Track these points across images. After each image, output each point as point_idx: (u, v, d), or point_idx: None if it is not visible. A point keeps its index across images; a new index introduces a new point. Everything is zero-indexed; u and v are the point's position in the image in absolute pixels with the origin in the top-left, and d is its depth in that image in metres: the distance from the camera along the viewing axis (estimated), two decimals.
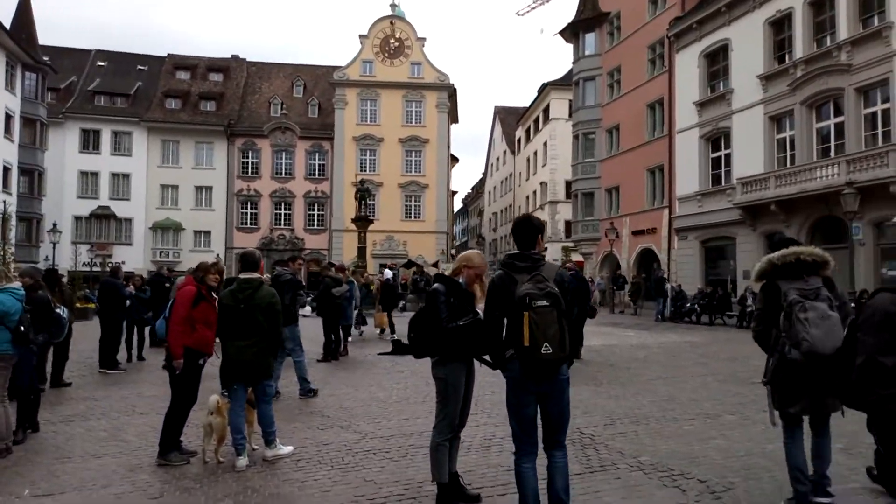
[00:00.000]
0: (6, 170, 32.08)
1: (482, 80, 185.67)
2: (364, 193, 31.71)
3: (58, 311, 6.66)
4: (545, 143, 46.69)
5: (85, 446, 5.84)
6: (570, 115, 43.65)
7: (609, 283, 28.81)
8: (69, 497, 4.51)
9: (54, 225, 31.34)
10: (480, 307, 4.14)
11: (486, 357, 4.14)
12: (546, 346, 3.23)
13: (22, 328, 5.61)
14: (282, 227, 44.94)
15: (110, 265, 11.03)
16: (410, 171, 46.01)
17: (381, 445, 5.66)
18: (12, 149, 32.97)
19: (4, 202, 29.49)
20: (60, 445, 5.90)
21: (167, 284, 13.34)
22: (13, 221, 29.97)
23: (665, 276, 23.33)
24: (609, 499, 4.23)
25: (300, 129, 45.00)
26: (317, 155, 45.85)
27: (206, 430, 5.27)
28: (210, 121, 43.90)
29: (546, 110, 46.95)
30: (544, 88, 47.03)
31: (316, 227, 45.58)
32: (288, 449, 5.43)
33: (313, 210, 45.75)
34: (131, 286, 11.38)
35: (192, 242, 43.35)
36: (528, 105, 52.54)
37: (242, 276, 5.30)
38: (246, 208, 44.88)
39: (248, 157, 44.84)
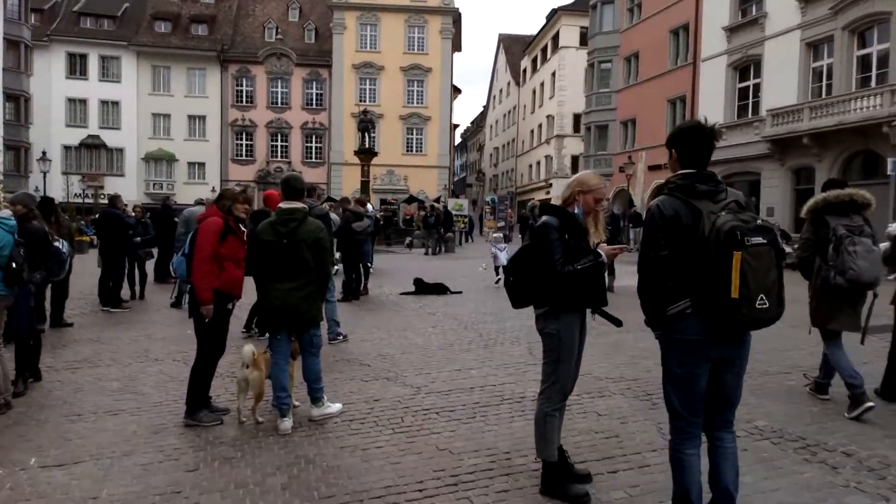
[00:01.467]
0: None
1: (486, 5, 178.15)
2: (367, 124, 30.28)
3: (56, 244, 5.73)
4: (553, 74, 44.76)
5: (97, 400, 5.05)
6: (582, 44, 41.83)
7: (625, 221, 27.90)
8: (86, 468, 3.73)
9: (43, 153, 29.90)
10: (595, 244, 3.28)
11: (606, 310, 3.31)
12: (762, 299, 2.35)
13: (15, 265, 4.70)
14: (278, 159, 43.38)
15: (106, 195, 9.97)
16: (412, 103, 44.14)
17: (441, 402, 4.89)
18: None
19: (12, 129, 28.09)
20: (68, 399, 5.10)
21: (175, 218, 12.38)
22: (0, 148, 28.62)
23: None
24: (748, 479, 3.45)
25: (296, 55, 42.77)
26: (314, 84, 43.81)
27: (241, 385, 4.47)
28: (202, 45, 41.61)
29: (555, 38, 44.76)
30: (554, 14, 44.68)
31: (314, 160, 44.08)
32: (336, 406, 4.65)
33: (311, 142, 44.14)
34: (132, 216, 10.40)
35: (186, 174, 41.90)
36: (535, 33, 50.15)
37: (284, 205, 4.35)
38: (241, 139, 43.18)
39: (242, 86, 42.80)
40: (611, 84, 32.02)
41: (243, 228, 4.74)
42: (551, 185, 44.68)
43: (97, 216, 10.19)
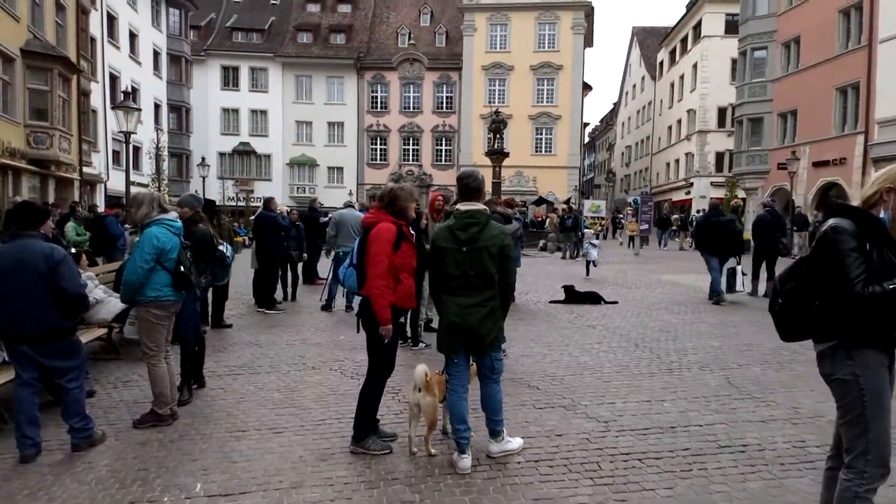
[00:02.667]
0: (157, 106, 33.39)
1: None
2: (499, 125, 29.66)
3: (221, 248, 5.61)
4: (695, 66, 41.69)
5: (260, 414, 4.79)
6: (727, 31, 38.60)
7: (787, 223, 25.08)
8: (253, 499, 3.37)
9: (202, 159, 32.38)
10: None
11: None
12: None
13: (183, 268, 4.53)
14: (410, 162, 44.16)
15: (262, 198, 10.11)
16: (542, 102, 43.07)
17: (641, 445, 4.08)
18: (161, 86, 34.20)
19: (158, 136, 30.84)
20: (231, 411, 4.88)
21: (322, 219, 12.51)
22: (165, 155, 31.37)
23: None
24: None
25: (428, 59, 43.32)
26: (444, 87, 44.17)
27: (413, 411, 3.95)
28: (340, 54, 43.37)
29: (697, 27, 41.70)
30: (696, 2, 41.61)
31: (443, 162, 44.41)
32: (517, 442, 4.00)
33: (441, 145, 44.55)
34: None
35: (326, 178, 43.84)
36: (673, 24, 47.11)
37: (463, 206, 3.76)
38: (375, 144, 44.50)
39: (377, 92, 44.12)
40: (766, 73, 29.03)
41: (412, 232, 4.24)
42: (692, 184, 41.69)
43: (253, 218, 10.36)
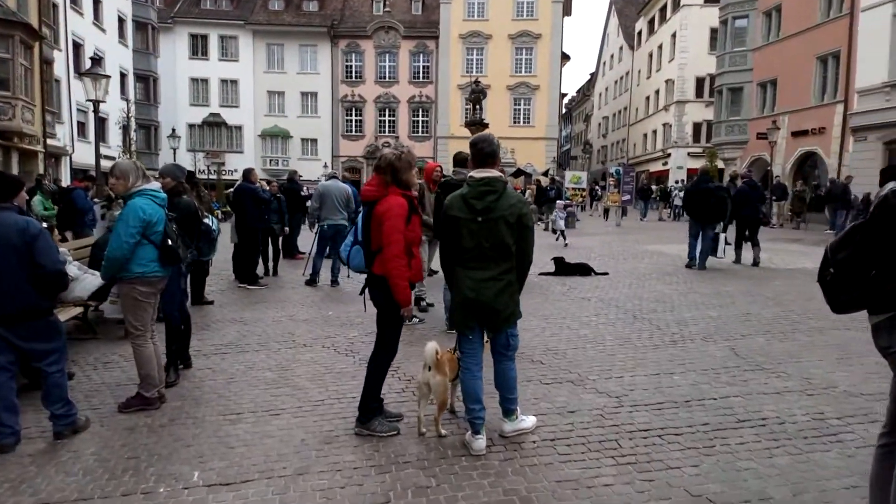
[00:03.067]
0: (122, 76, 32.09)
1: None
2: (478, 95, 29.18)
3: (206, 220, 5.27)
4: (673, 35, 41.46)
5: (253, 395, 4.53)
6: (707, 0, 38.39)
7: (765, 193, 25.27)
8: (258, 490, 3.14)
9: (173, 130, 31.37)
10: None
11: None
12: None
13: (170, 241, 4.21)
14: (386, 134, 43.45)
15: (237, 170, 9.69)
16: (520, 72, 42.55)
17: (658, 421, 3.93)
18: (127, 54, 32.85)
19: (128, 107, 29.69)
20: (222, 392, 4.62)
21: (301, 193, 12.14)
22: (133, 128, 30.28)
23: (849, 183, 19.66)
24: None
25: (404, 27, 42.35)
26: (421, 56, 43.30)
27: (422, 390, 3.74)
28: (313, 22, 42.13)
29: None
30: None
31: (420, 133, 43.78)
32: (530, 420, 3.83)
33: (417, 116, 43.86)
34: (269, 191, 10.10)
35: (300, 150, 42.92)
36: None
37: (477, 173, 3.50)
38: (351, 115, 43.60)
39: (351, 61, 43.06)
40: (746, 42, 28.98)
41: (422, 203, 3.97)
42: (669, 154, 41.82)
43: (232, 190, 9.95)
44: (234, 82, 41.74)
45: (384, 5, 43.57)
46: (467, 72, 41.44)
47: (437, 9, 42.49)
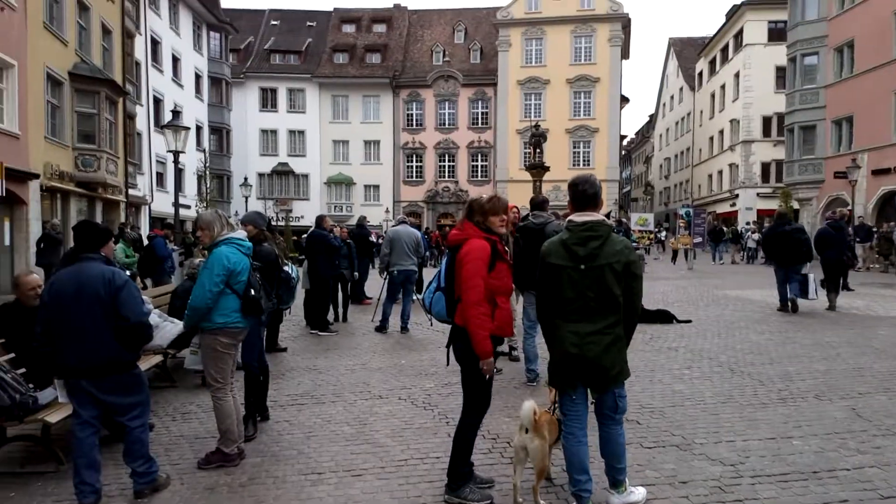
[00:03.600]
0: (198, 128, 33.82)
1: (655, 8, 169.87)
2: (538, 139, 29.23)
3: (286, 268, 5.20)
4: (737, 74, 40.59)
5: (333, 452, 4.31)
6: (771, 39, 37.53)
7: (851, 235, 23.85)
8: None
9: (245, 179, 32.63)
10: None
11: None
12: None
13: (252, 292, 4.11)
14: (446, 178, 44.04)
15: (317, 216, 9.75)
16: (579, 115, 42.49)
17: (788, 497, 3.45)
18: (203, 108, 34.68)
19: (204, 158, 31.12)
20: (301, 448, 4.42)
21: (370, 238, 12.17)
22: (207, 178, 31.67)
23: None
24: None
25: (463, 76, 43.25)
26: (479, 103, 44.01)
27: (518, 455, 3.41)
28: (376, 73, 43.58)
29: (738, 36, 40.68)
30: (737, 10, 40.63)
31: (479, 178, 44.10)
32: (640, 493, 3.43)
33: (476, 161, 44.32)
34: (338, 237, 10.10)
35: (362, 196, 43.94)
36: (712, 34, 46.10)
37: (578, 217, 3.24)
38: (411, 161, 44.49)
39: (412, 109, 44.17)
40: (817, 79, 27.95)
41: (506, 248, 3.74)
42: (737, 195, 40.41)
43: (305, 237, 10.01)
44: (302, 132, 43.39)
45: (444, 55, 44.72)
46: (525, 116, 41.76)
47: (495, 57, 43.26)
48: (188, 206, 32.30)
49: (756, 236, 25.70)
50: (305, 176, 43.61)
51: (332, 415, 5.20)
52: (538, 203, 6.54)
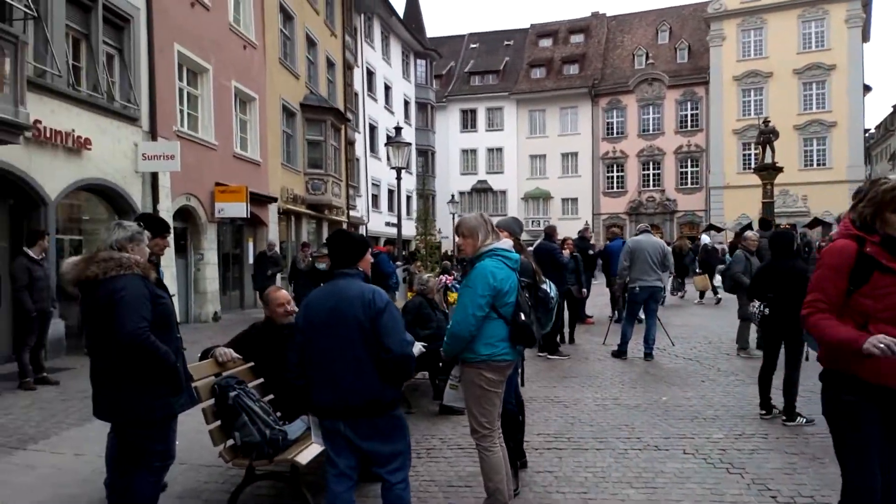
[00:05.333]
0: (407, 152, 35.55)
1: None
2: (768, 136, 25.72)
3: (543, 286, 4.36)
4: None
5: None
6: None
7: None
8: None
9: (452, 196, 33.55)
10: None
11: None
12: None
13: (522, 316, 3.31)
14: (650, 188, 41.24)
15: (547, 226, 8.95)
16: (810, 108, 37.04)
17: None
18: (410, 132, 36.41)
19: (423, 180, 32.53)
20: None
21: (590, 252, 11.13)
22: (414, 198, 33.04)
23: None
24: None
25: (669, 77, 40.29)
26: (688, 104, 40.61)
27: None
28: (574, 84, 42.51)
29: None
30: None
31: (689, 185, 40.60)
32: None
33: (685, 167, 40.87)
34: (566, 252, 9.19)
35: (560, 210, 43.03)
36: None
37: None
38: (612, 171, 42.52)
39: (612, 118, 42.28)
40: None
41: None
42: None
43: (532, 249, 9.25)
44: (499, 150, 43.81)
45: (647, 58, 42.19)
46: (744, 114, 37.56)
47: (706, 54, 39.65)
48: (394, 225, 34.01)
49: None
50: (503, 192, 43.85)
51: (602, 468, 4.21)
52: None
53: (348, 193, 23.26)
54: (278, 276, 13.58)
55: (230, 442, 3.72)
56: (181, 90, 12.61)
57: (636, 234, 8.57)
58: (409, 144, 12.91)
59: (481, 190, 44.17)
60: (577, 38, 45.91)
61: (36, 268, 7.10)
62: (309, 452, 3.72)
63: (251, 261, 15.24)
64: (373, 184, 30.41)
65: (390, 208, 32.97)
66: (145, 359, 2.97)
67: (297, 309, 4.20)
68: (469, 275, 3.34)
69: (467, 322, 3.22)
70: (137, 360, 2.97)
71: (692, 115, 40.54)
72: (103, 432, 5.28)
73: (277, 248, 15.08)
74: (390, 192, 33.18)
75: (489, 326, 3.28)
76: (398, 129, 12.95)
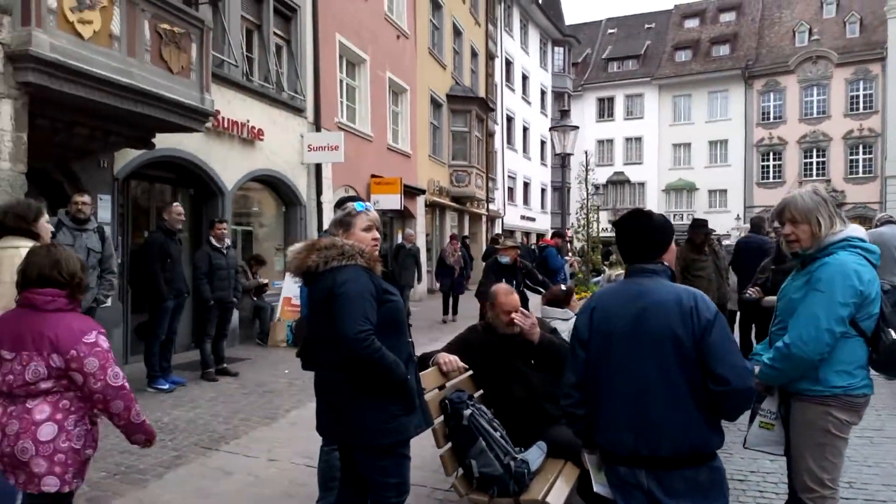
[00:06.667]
0: (542, 143, 34.44)
1: None
2: None
3: None
4: None
5: None
6: None
7: None
8: None
9: (596, 188, 32.07)
10: None
11: None
12: None
13: (894, 334, 2.34)
14: (813, 177, 37.00)
15: (753, 216, 7.69)
16: None
17: None
18: (546, 123, 35.20)
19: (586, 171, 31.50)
20: None
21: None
22: (548, 192, 31.93)
23: None
24: None
25: (837, 54, 35.89)
26: (860, 84, 36.02)
27: None
28: (724, 66, 39.10)
29: None
30: None
31: (861, 174, 36.10)
32: None
33: (856, 154, 36.37)
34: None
35: (706, 203, 39.89)
36: None
37: None
38: (767, 160, 38.71)
39: (768, 101, 38.44)
40: None
41: None
42: None
43: (733, 244, 8.03)
44: (639, 139, 41.43)
45: (809, 35, 37.88)
46: None
47: (882, 25, 34.86)
48: (533, 219, 33.08)
49: None
50: (642, 184, 41.44)
51: None
52: None
53: (488, 186, 22.71)
54: (424, 269, 13.25)
55: (460, 471, 3.10)
56: (341, 81, 12.57)
57: (877, 225, 7.06)
58: (577, 128, 11.95)
59: (617, 182, 42.04)
60: (728, 17, 42.27)
61: (217, 256, 7.05)
62: (559, 492, 3.00)
63: None
64: (509, 176, 29.69)
65: (525, 201, 32.12)
66: (369, 369, 2.39)
67: (528, 320, 3.53)
68: (815, 274, 2.42)
69: (821, 340, 2.32)
70: (361, 371, 2.40)
71: (865, 95, 35.98)
72: (293, 435, 4.99)
73: (424, 241, 14.76)
74: (525, 184, 32.31)
75: (844, 346, 2.36)
76: (563, 112, 12.06)
